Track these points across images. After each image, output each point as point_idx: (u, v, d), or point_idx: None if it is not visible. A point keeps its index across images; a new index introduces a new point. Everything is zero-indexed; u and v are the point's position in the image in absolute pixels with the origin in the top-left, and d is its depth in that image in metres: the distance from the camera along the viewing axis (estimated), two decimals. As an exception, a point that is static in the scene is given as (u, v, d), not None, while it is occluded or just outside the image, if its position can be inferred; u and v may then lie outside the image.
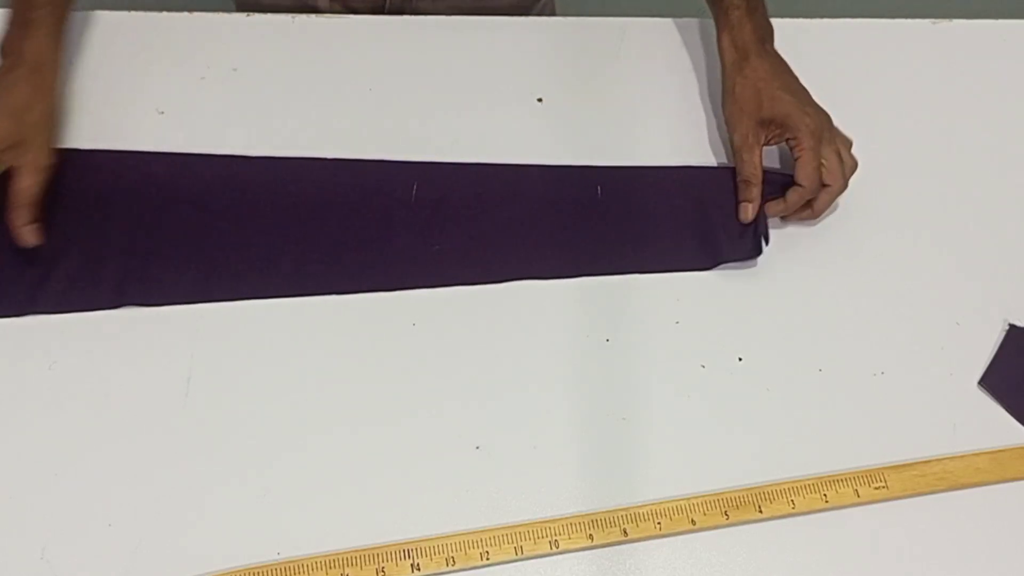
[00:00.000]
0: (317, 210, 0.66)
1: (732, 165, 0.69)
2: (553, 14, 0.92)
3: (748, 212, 0.67)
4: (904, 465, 0.59)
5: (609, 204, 0.68)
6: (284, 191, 0.66)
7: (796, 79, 0.69)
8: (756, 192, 0.67)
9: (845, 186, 0.67)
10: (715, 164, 0.71)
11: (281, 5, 0.79)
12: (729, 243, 0.67)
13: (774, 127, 0.67)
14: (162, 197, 0.66)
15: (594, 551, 0.56)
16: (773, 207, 0.67)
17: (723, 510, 0.57)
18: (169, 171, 0.67)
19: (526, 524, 0.56)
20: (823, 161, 0.66)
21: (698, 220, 0.68)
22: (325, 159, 0.68)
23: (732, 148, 0.69)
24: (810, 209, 0.67)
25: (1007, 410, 0.62)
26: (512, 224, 0.67)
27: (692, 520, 0.56)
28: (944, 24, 0.80)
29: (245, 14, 0.76)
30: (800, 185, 0.66)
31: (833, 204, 0.68)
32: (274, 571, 0.54)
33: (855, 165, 0.68)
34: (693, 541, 0.56)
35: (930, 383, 0.63)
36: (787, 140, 0.67)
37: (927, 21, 0.81)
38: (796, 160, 0.66)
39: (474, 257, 0.65)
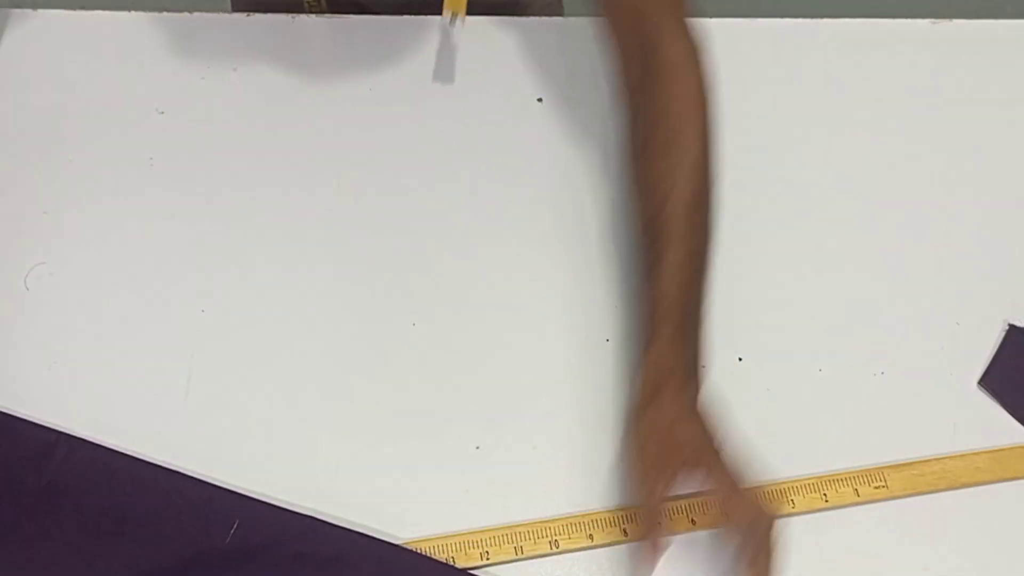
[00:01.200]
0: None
1: None
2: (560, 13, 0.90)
3: None
4: (904, 465, 0.59)
5: None
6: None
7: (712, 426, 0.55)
8: (656, 557, 0.53)
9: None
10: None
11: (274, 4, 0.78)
12: None
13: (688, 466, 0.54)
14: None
15: (594, 551, 0.56)
16: None
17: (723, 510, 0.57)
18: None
19: (526, 524, 0.56)
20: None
21: None
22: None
23: (633, 488, 0.55)
24: None
25: (1007, 410, 0.62)
26: None
27: (692, 520, 0.56)
28: (944, 24, 0.80)
29: (245, 14, 0.76)
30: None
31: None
32: (274, 571, 0.54)
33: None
34: (693, 541, 0.56)
35: (930, 383, 0.63)
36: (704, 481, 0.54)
37: (927, 21, 0.80)
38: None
39: None
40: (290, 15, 0.76)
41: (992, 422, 0.62)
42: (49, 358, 0.60)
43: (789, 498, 0.57)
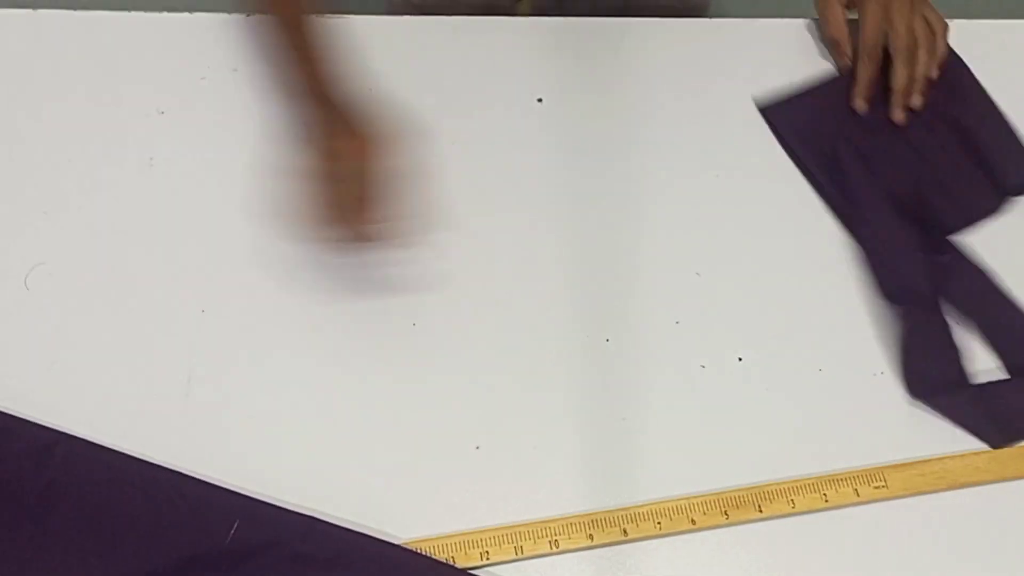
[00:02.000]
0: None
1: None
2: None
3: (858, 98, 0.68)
4: (904, 464, 0.59)
5: None
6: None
7: None
8: (845, 58, 0.69)
9: (928, 55, 0.67)
10: (713, 167, 0.71)
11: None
12: None
13: None
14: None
15: (594, 551, 0.56)
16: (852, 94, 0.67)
17: (723, 510, 0.57)
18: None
19: (526, 524, 0.56)
20: (891, 22, 0.65)
21: None
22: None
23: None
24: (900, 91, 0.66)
25: (943, 415, 0.61)
26: None
27: (692, 520, 0.56)
28: (944, 24, 0.80)
29: (245, 14, 0.75)
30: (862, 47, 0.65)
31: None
32: (274, 571, 0.54)
33: (941, 30, 0.68)
34: (693, 541, 0.56)
35: (930, 383, 0.63)
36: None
37: (927, 21, 0.80)
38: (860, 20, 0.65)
39: None
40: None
41: (992, 422, 0.62)
42: (49, 358, 0.60)
43: (789, 498, 0.57)
